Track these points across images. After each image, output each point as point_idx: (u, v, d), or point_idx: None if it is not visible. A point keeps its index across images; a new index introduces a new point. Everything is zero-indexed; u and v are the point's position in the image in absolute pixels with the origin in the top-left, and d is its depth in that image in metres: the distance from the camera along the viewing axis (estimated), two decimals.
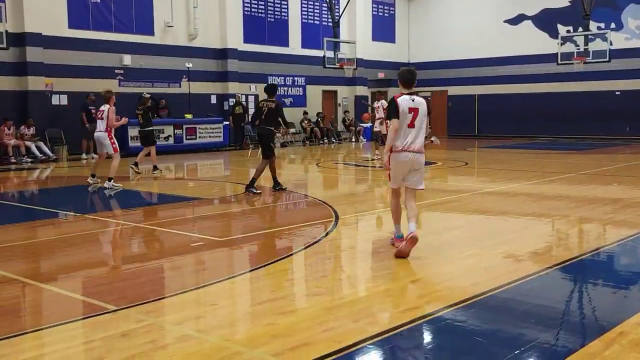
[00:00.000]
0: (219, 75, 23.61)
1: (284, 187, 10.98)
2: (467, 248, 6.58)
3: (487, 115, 29.15)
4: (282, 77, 25.64)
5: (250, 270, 5.82)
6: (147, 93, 15.32)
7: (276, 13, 25.60)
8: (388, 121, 6.30)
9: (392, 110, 6.17)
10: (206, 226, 8.35)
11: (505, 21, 28.52)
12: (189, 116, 21.44)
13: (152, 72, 21.42)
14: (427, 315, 4.40)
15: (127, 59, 20.74)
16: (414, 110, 6.15)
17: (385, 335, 4.03)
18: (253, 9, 24.70)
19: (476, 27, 28.86)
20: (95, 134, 12.19)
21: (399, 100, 6.15)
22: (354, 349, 3.80)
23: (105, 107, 11.87)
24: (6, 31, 16.62)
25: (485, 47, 28.65)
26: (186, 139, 21.12)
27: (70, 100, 19.22)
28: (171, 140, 20.64)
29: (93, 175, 12.13)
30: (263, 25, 25.04)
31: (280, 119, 10.81)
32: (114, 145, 11.90)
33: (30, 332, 4.22)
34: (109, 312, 4.49)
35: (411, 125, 6.13)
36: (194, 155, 19.96)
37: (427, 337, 4.18)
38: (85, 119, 18.38)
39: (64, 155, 18.79)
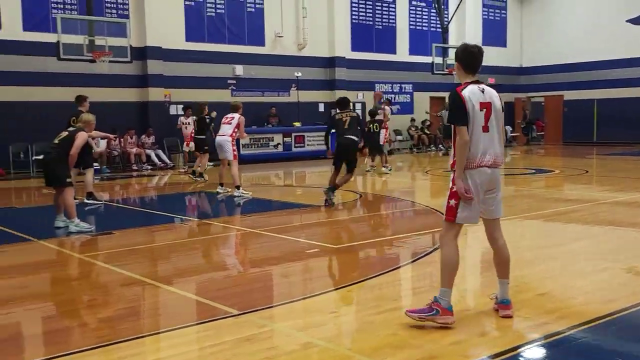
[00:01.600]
0: (327, 84, 23.82)
1: (333, 203, 10.25)
2: (598, 261, 6.15)
3: (606, 121, 27.50)
4: (390, 84, 25.48)
5: (368, 279, 5.72)
6: (203, 102, 15.66)
7: (384, 20, 25.51)
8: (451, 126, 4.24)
9: (458, 111, 4.22)
10: (319, 233, 8.35)
11: (627, 20, 26.84)
12: (297, 124, 21.76)
13: (263, 82, 21.95)
14: (560, 332, 4.11)
15: (239, 69, 21.38)
16: (486, 106, 4.27)
17: (517, 352, 3.80)
18: (361, 17, 24.75)
19: (595, 27, 27.32)
20: (218, 138, 11.97)
21: (465, 93, 4.24)
22: None
23: (235, 115, 11.84)
24: (130, 46, 17.58)
25: (605, 49, 27.05)
26: (295, 146, 21.44)
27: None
28: (280, 148, 21.03)
29: (221, 185, 12.01)
30: (371, 33, 25.03)
31: (359, 129, 10.44)
32: (234, 152, 11.78)
33: (159, 333, 4.33)
34: (232, 316, 4.54)
35: (485, 128, 4.27)
36: (302, 163, 20.20)
37: (562, 355, 3.89)
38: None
39: (180, 163, 19.61)
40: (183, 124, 18.18)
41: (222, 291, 5.41)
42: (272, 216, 9.88)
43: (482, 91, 4.27)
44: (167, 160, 19.35)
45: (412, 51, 26.28)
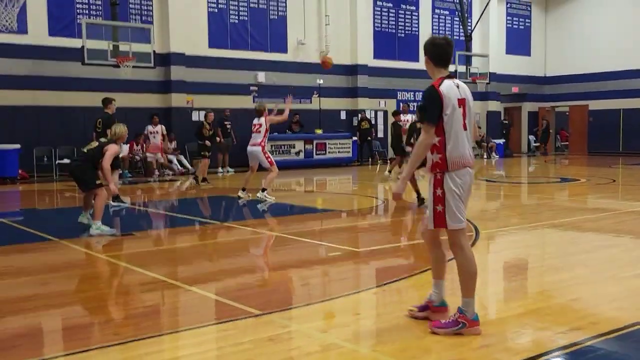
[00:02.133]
0: (348, 91, 23.76)
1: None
2: (629, 268, 5.96)
3: (632, 131, 27.05)
4: (412, 92, 25.33)
5: (392, 282, 5.59)
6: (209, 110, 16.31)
7: (407, 28, 25.43)
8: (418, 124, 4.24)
9: (433, 108, 3.92)
10: (341, 237, 8.24)
11: None
12: (319, 131, 21.72)
13: (285, 89, 21.92)
14: (592, 338, 3.95)
15: (262, 76, 21.41)
16: (462, 103, 3.99)
17: (547, 357, 3.65)
18: (384, 25, 24.69)
19: (620, 36, 26.95)
20: (249, 148, 11.61)
21: (443, 89, 3.95)
22: None
23: (262, 121, 11.51)
24: (154, 51, 17.68)
25: (632, 58, 26.65)
26: (316, 154, 21.38)
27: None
28: (302, 155, 20.99)
29: (244, 189, 11.80)
30: (393, 40, 24.94)
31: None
32: (269, 160, 11.47)
33: (180, 332, 4.26)
34: (253, 317, 4.45)
35: (464, 126, 4.00)
36: (323, 170, 20.13)
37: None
38: (221, 133, 19.09)
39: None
40: (150, 133, 18.19)
41: (244, 292, 5.32)
42: (294, 220, 9.80)
43: (457, 86, 4.03)
44: (189, 166, 19.38)
45: None
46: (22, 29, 16.78)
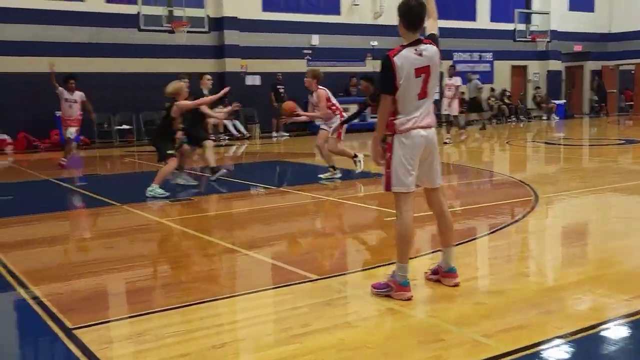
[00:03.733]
0: None
1: None
2: None
3: None
4: (469, 53, 24.72)
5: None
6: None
7: None
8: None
9: (385, 78, 3.89)
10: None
11: None
12: None
13: (338, 51, 21.72)
14: None
15: (315, 39, 21.24)
16: (424, 71, 3.90)
17: (607, 326, 3.56)
18: None
19: None
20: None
21: (398, 59, 3.85)
22: (578, 336, 3.39)
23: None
24: (207, 16, 17.74)
25: None
26: (370, 117, 21.17)
27: (262, 80, 20.13)
28: (355, 120, 20.77)
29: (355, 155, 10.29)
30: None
31: None
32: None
33: (238, 295, 4.33)
34: (310, 281, 4.48)
35: (422, 94, 3.93)
36: None
37: None
38: (274, 97, 19.13)
39: (256, 133, 19.79)
40: (67, 100, 12.34)
41: (301, 257, 5.37)
42: (351, 185, 9.78)
43: (420, 54, 3.88)
44: (244, 131, 19.55)
45: (493, 18, 25.32)
46: None
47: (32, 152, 16.28)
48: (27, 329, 3.90)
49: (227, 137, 18.98)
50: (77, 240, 6.63)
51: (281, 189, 9.40)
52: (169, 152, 8.46)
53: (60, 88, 12.02)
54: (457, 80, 15.81)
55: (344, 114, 9.71)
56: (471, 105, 18.93)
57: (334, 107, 9.57)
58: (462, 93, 17.71)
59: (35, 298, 4.25)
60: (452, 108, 15.89)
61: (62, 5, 16.56)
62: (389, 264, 4.98)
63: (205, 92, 9.54)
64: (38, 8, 16.86)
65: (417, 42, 3.93)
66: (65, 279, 4.79)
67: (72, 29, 17.36)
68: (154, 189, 8.26)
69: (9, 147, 16.58)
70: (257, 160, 14.38)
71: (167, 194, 8.32)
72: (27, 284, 4.58)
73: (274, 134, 19.45)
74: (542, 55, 26.67)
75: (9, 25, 16.69)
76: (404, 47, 3.92)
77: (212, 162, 9.32)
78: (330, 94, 9.63)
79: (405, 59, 3.86)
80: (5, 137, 16.63)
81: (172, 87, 8.61)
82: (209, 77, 9.94)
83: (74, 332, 3.59)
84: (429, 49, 3.94)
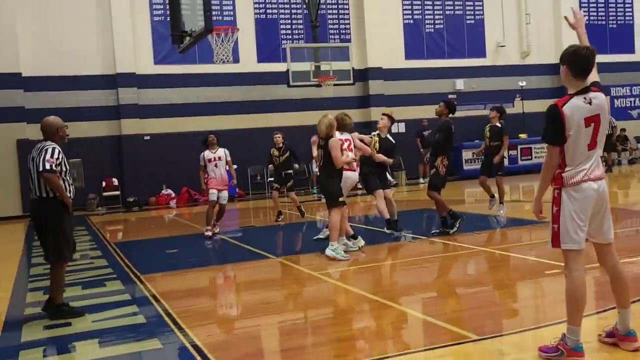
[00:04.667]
0: (554, 92, 22.33)
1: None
2: None
3: None
4: (628, 88, 23.12)
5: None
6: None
7: (619, 18, 23.30)
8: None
9: (552, 129, 3.69)
10: (555, 252, 7.64)
11: None
12: (523, 136, 20.68)
13: (484, 94, 21.28)
14: None
15: (460, 83, 21.00)
16: (594, 120, 3.70)
17: None
18: (592, 17, 22.87)
19: None
20: None
21: (567, 110, 3.67)
22: None
23: None
24: (353, 68, 18.18)
25: None
26: (521, 159, 20.40)
27: (407, 127, 20.15)
28: (505, 162, 20.08)
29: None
30: (603, 32, 22.98)
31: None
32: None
33: (400, 355, 4.21)
34: (471, 341, 4.26)
35: (592, 145, 3.72)
36: (529, 177, 19.09)
37: None
38: (420, 144, 19.02)
39: (402, 180, 19.71)
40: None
41: (457, 313, 5.15)
42: (501, 233, 9.36)
43: (590, 102, 3.68)
44: (390, 178, 19.52)
45: None
46: (235, 58, 18.25)
47: (193, 206, 17.38)
48: None
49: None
50: (234, 292, 6.86)
51: (430, 238, 9.17)
52: (338, 200, 7.68)
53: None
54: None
55: None
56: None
57: None
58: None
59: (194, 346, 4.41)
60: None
61: (219, 68, 17.76)
62: (554, 324, 4.64)
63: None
64: (198, 72, 18.27)
65: (586, 90, 3.75)
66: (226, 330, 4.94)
67: (227, 89, 18.58)
68: (335, 248, 7.60)
69: (172, 201, 17.84)
70: (405, 208, 14.23)
71: (348, 258, 7.62)
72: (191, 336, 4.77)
73: (421, 179, 19.26)
74: None
75: (174, 89, 18.23)
76: (572, 95, 3.75)
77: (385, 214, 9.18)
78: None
79: (577, 109, 3.69)
80: (170, 192, 17.95)
81: (324, 124, 7.74)
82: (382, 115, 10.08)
83: None
84: (598, 97, 3.76)
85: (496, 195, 10.77)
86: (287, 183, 11.72)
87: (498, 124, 10.87)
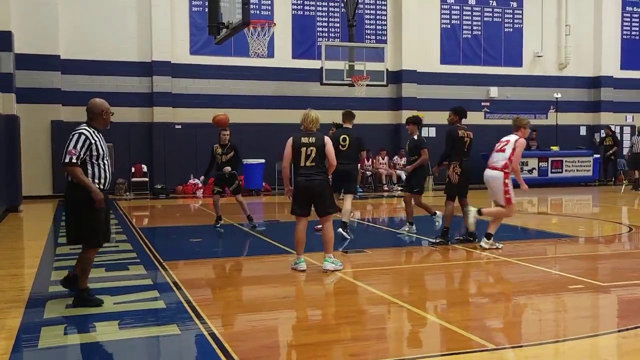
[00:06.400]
0: (589, 105, 22.05)
1: None
2: None
3: None
4: None
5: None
6: None
7: None
8: None
9: None
10: (581, 267, 7.56)
11: None
12: (555, 148, 20.42)
13: (518, 104, 21.07)
14: None
15: (494, 91, 20.82)
16: None
17: None
18: (634, 32, 22.48)
19: None
20: (487, 174, 8.43)
21: None
22: None
23: (512, 137, 8.47)
24: (387, 70, 18.15)
25: None
26: (551, 172, 20.14)
27: (437, 132, 20.02)
28: (535, 173, 19.89)
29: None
30: None
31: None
32: (507, 196, 8.23)
33: (412, 359, 4.20)
34: (486, 350, 4.23)
35: None
36: (559, 190, 18.86)
37: None
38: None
39: (430, 185, 19.59)
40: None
41: (475, 322, 5.11)
42: (526, 245, 9.26)
43: None
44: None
45: None
46: (270, 53, 18.34)
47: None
48: None
49: (400, 188, 19.00)
50: (239, 285, 6.89)
51: (452, 244, 9.10)
52: (332, 209, 7.27)
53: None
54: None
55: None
56: (635, 160, 17.59)
57: None
58: None
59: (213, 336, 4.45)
60: None
61: (254, 61, 17.84)
62: (577, 339, 4.59)
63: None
64: (232, 65, 18.39)
65: None
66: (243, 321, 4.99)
67: (261, 83, 18.67)
68: (333, 260, 7.13)
69: (199, 190, 18.00)
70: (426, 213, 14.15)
71: (340, 265, 7.16)
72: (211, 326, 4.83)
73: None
74: None
75: (208, 80, 18.38)
76: None
77: (346, 217, 9.37)
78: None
79: None
80: (197, 181, 18.09)
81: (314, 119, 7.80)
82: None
83: None
84: None
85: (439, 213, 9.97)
86: (232, 185, 10.95)
87: (415, 137, 9.96)
